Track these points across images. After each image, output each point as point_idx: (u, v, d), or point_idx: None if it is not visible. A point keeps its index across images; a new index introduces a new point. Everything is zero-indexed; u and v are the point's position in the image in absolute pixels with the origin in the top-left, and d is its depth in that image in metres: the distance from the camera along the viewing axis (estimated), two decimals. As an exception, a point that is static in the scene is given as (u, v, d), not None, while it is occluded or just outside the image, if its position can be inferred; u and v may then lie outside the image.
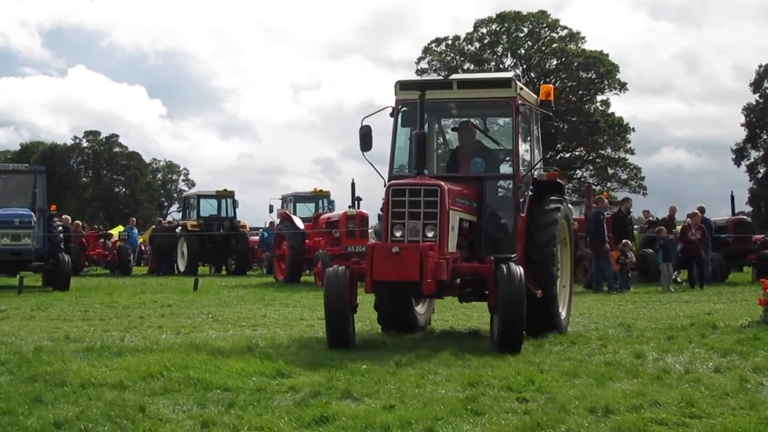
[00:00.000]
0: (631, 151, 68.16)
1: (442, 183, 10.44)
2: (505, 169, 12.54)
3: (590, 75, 67.05)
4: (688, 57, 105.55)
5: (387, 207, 10.45)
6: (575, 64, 66.45)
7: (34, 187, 22.92)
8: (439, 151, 13.48)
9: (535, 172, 12.13)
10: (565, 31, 68.52)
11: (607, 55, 66.59)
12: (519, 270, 9.93)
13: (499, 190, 12.16)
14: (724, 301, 18.77)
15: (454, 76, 12.69)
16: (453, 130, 13.14)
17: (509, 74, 12.51)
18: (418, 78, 14.40)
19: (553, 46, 68.18)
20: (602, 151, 68.22)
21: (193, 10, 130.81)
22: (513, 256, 10.84)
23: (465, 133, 12.58)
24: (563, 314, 12.19)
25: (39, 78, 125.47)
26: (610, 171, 68.53)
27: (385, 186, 11.34)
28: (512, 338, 9.81)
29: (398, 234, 10.31)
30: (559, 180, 12.56)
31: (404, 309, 12.10)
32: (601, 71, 66.01)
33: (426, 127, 11.69)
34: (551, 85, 12.03)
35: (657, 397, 7.18)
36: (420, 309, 12.70)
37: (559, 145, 53.90)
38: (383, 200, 10.63)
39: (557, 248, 11.83)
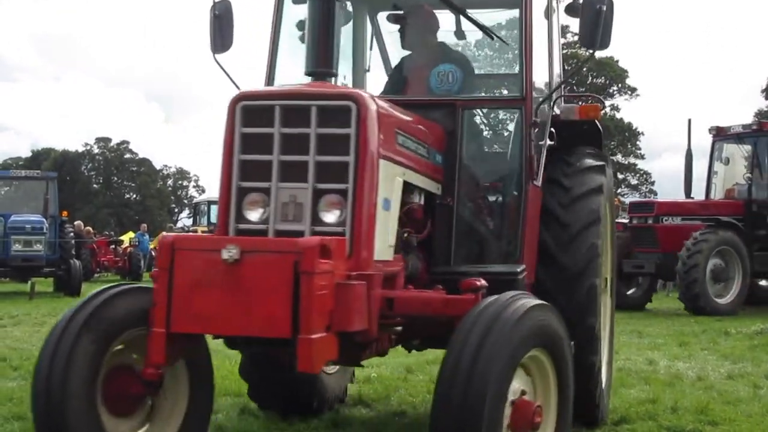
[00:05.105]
0: (641, 156, 68.21)
1: (362, 93, 4.77)
2: (502, 91, 7.32)
3: (600, 80, 67.11)
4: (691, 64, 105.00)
5: (229, 151, 4.66)
6: (585, 69, 66.51)
7: (46, 193, 23.08)
8: (379, 67, 7.21)
9: (556, 104, 6.57)
10: (576, 37, 68.65)
11: (617, 61, 66.65)
12: (544, 313, 4.32)
13: (485, 131, 6.63)
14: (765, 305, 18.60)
15: None
16: (395, 20, 6.71)
17: None
18: None
19: (564, 51, 68.25)
20: (612, 157, 68.26)
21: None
22: (519, 270, 5.49)
23: (416, 24, 6.52)
24: (604, 380, 6.51)
25: (33, 83, 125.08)
26: (620, 176, 68.54)
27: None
28: None
29: (254, 216, 4.62)
30: (597, 121, 6.88)
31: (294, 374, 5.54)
32: (611, 75, 66.05)
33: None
34: None
35: (672, 403, 7.16)
36: (328, 368, 6.87)
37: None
38: (224, 139, 4.70)
39: (600, 243, 6.19)
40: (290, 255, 4.05)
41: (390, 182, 4.79)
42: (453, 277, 4.81)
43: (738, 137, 18.84)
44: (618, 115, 67.49)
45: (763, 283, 19.62)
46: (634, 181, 68.66)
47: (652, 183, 68.66)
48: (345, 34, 6.56)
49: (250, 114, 4.65)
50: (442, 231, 5.64)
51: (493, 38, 6.54)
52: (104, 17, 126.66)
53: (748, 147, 18.52)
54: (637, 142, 67.96)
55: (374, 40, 7.12)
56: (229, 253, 4.13)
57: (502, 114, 6.74)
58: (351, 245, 4.44)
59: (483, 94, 6.75)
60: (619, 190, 67.44)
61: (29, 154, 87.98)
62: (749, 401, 7.37)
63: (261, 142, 4.60)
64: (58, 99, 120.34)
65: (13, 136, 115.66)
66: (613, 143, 67.05)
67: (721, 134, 19.13)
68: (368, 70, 7.08)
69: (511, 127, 6.39)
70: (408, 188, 5.17)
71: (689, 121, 18.98)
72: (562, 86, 6.53)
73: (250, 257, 4.12)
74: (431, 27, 6.55)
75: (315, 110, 4.53)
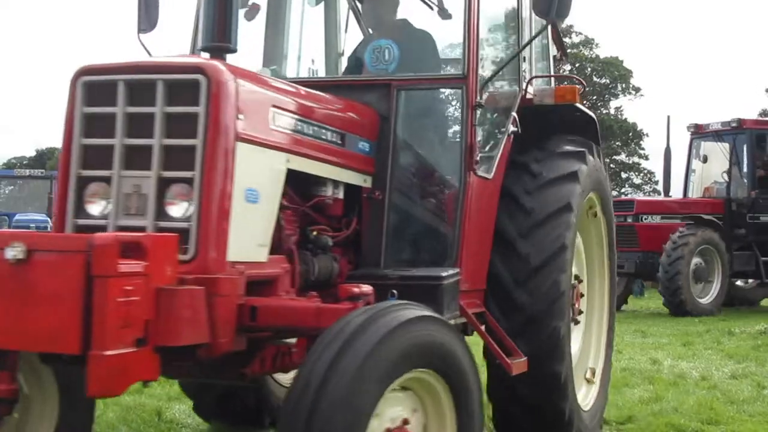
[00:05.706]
0: (645, 157, 68.18)
1: (216, 64, 3.93)
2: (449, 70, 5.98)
3: (603, 80, 67.10)
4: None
5: (69, 135, 3.97)
6: (588, 69, 66.48)
7: (50, 192, 23.12)
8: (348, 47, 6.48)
9: (530, 84, 5.88)
10: (580, 37, 68.60)
11: (622, 61, 66.62)
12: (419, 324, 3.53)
13: (426, 116, 5.62)
14: (739, 305, 18.64)
15: None
16: None
17: None
18: None
19: (569, 50, 68.16)
20: (615, 157, 68.20)
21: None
22: (444, 274, 4.67)
23: (375, 0, 5.98)
24: (588, 403, 6.07)
25: (35, 83, 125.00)
26: (624, 175, 68.53)
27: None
28: None
29: (95, 210, 3.94)
30: (581, 106, 6.01)
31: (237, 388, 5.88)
32: (615, 75, 66.02)
33: None
34: None
35: (675, 403, 7.17)
36: (285, 376, 5.89)
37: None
38: (64, 120, 4.01)
39: (568, 270, 5.41)
40: (80, 254, 3.22)
41: (260, 170, 4.05)
42: (373, 282, 4.01)
43: (717, 135, 18.50)
44: (621, 116, 67.51)
45: (739, 283, 19.46)
46: (637, 181, 68.66)
47: (656, 182, 68.62)
48: (317, 16, 6.45)
49: (93, 91, 3.94)
50: (371, 229, 4.93)
51: (432, 9, 5.94)
52: (105, 17, 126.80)
53: (727, 145, 18.21)
54: (641, 142, 67.94)
55: (349, 20, 6.58)
56: (12, 251, 3.32)
57: (445, 96, 5.80)
58: (196, 243, 3.71)
59: (424, 74, 5.46)
60: (622, 190, 67.44)
61: (33, 154, 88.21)
62: (753, 401, 7.38)
63: (104, 123, 3.89)
64: (60, 99, 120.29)
65: (16, 137, 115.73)
66: (617, 143, 67.09)
67: (699, 132, 18.92)
68: (342, 54, 6.50)
69: (455, 111, 5.60)
70: (310, 179, 4.54)
71: (668, 117, 18.76)
72: (525, 48, 5.55)
73: (38, 257, 3.30)
74: (390, 3, 5.88)
75: (161, 85, 3.83)
